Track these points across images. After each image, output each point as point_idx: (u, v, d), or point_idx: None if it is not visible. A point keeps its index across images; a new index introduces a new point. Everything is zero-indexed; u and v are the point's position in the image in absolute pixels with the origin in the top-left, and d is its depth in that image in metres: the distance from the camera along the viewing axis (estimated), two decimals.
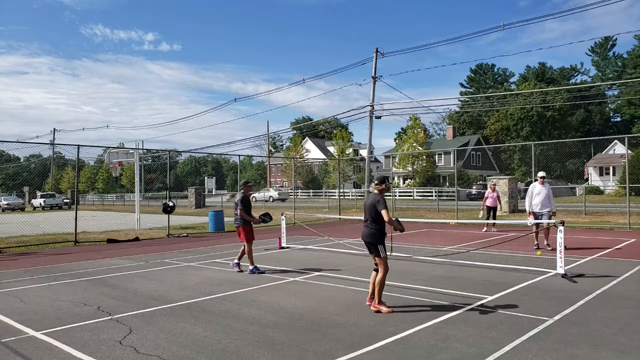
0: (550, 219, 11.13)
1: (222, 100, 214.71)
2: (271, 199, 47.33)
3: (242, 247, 9.38)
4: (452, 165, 54.74)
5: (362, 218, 6.50)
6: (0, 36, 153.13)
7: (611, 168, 48.85)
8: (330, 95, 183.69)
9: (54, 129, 67.62)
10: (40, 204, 44.58)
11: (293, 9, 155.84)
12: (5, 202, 42.38)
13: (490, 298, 6.77)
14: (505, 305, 6.32)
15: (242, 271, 9.25)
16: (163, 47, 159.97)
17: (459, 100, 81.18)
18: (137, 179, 21.93)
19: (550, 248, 10.99)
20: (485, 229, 16.55)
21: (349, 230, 17.77)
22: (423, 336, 5.13)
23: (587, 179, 49.38)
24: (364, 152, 54.16)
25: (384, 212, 6.08)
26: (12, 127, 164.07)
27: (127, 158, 22.07)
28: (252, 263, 9.20)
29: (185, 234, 17.55)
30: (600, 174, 49.88)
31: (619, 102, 72.73)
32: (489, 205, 16.64)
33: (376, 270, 6.32)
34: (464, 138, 66.31)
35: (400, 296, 6.93)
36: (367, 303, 6.40)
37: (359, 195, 41.61)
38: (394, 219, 6.23)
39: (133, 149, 21.68)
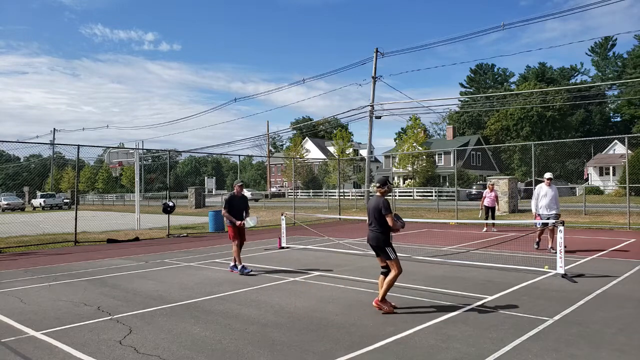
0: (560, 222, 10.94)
1: (222, 100, 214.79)
2: None
3: (241, 247, 9.38)
4: (452, 165, 54.74)
5: (363, 218, 6.47)
6: (0, 36, 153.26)
7: (611, 168, 48.87)
8: (330, 95, 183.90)
9: (54, 129, 67.69)
10: (40, 204, 44.58)
11: (293, 9, 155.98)
12: (5, 202, 42.38)
13: (490, 298, 6.77)
14: (505, 305, 6.32)
15: (243, 272, 9.24)
16: (163, 47, 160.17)
17: (459, 100, 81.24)
18: (137, 179, 21.93)
19: (554, 251, 10.94)
20: (485, 229, 16.55)
21: (349, 230, 17.77)
22: (423, 336, 5.13)
23: (587, 179, 49.38)
24: (364, 152, 54.20)
25: (388, 218, 6.04)
26: (12, 127, 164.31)
27: (127, 158, 22.06)
28: (239, 262, 9.17)
29: (185, 234, 17.55)
30: (600, 174, 49.89)
31: (619, 102, 72.73)
32: (487, 205, 16.67)
33: (384, 274, 6.25)
34: (464, 138, 66.30)
35: (400, 296, 6.93)
36: (374, 305, 6.16)
37: (359, 195, 41.62)
38: (392, 213, 6.15)
39: (133, 149, 21.68)
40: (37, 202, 45.50)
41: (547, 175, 11.03)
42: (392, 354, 4.61)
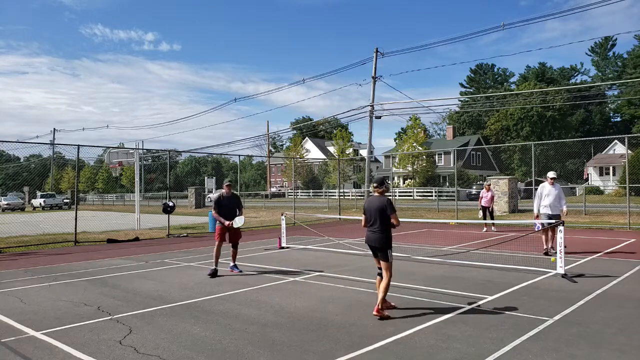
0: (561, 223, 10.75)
1: (222, 100, 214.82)
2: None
3: (232, 249, 9.34)
4: (452, 165, 54.73)
5: (362, 218, 6.37)
6: (0, 36, 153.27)
7: (611, 168, 48.87)
8: (330, 95, 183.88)
9: (54, 129, 67.71)
10: (40, 204, 44.59)
11: (293, 9, 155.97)
12: (5, 202, 42.38)
13: (490, 298, 6.77)
14: (505, 305, 6.32)
15: (241, 271, 9.24)
16: (163, 47, 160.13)
17: (459, 100, 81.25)
18: (137, 179, 21.93)
19: (553, 251, 10.92)
20: (485, 229, 16.58)
21: (349, 230, 17.76)
22: (423, 336, 5.12)
23: (587, 179, 49.39)
24: (364, 152, 54.17)
25: (393, 216, 5.97)
26: (12, 127, 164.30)
27: (127, 158, 22.06)
28: (216, 263, 9.08)
29: (185, 234, 17.55)
30: (600, 174, 49.90)
31: (619, 102, 72.73)
32: (484, 205, 16.82)
33: (379, 275, 6.18)
34: (464, 138, 66.30)
35: (400, 296, 6.92)
36: (375, 314, 5.88)
37: (359, 195, 41.60)
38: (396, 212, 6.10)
39: (133, 149, 21.67)
40: (37, 202, 45.51)
41: (551, 174, 10.79)
42: (392, 354, 4.61)
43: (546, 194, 10.64)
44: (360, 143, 73.30)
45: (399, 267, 9.28)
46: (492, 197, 17.10)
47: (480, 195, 17.17)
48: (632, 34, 79.72)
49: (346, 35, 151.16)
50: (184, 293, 7.50)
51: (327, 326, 5.57)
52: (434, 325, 5.49)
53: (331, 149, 68.23)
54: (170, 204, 17.59)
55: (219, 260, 9.18)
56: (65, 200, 47.15)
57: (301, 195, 57.44)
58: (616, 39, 77.87)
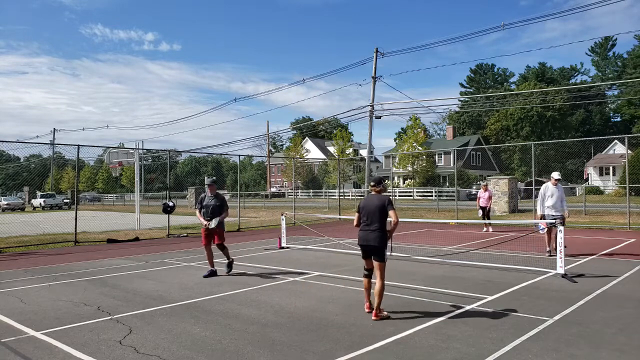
0: (562, 222, 10.70)
1: (222, 100, 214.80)
2: None
3: (223, 249, 9.12)
4: (452, 165, 54.73)
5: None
6: (0, 36, 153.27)
7: (611, 168, 48.88)
8: (330, 95, 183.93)
9: (54, 129, 67.63)
10: (40, 204, 44.58)
11: (293, 9, 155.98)
12: (5, 202, 42.37)
13: (490, 298, 6.77)
14: (505, 305, 6.32)
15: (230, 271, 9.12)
16: (163, 47, 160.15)
17: (459, 100, 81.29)
18: (137, 179, 21.93)
19: (554, 253, 10.86)
20: (485, 229, 16.63)
21: (349, 230, 17.75)
22: (423, 336, 5.12)
23: (587, 179, 49.40)
24: (364, 152, 54.20)
25: (393, 213, 5.86)
26: (12, 127, 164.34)
27: (127, 158, 22.06)
28: (210, 264, 8.99)
29: (185, 234, 17.55)
30: (600, 174, 49.91)
31: (619, 102, 72.74)
32: (481, 205, 16.98)
33: (367, 277, 6.08)
34: (464, 138, 66.31)
35: (400, 296, 6.92)
36: (367, 310, 6.04)
37: (359, 195, 41.60)
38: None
39: (133, 149, 21.67)
40: (37, 202, 45.50)
41: (555, 175, 10.64)
42: (392, 354, 4.61)
43: (550, 195, 10.55)
44: (360, 143, 73.31)
45: (399, 267, 9.29)
46: (490, 197, 17.21)
47: (478, 196, 17.37)
48: (632, 34, 79.87)
49: (346, 35, 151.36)
50: (184, 293, 7.50)
51: (327, 326, 5.57)
52: (434, 325, 5.49)
53: (331, 149, 68.24)
54: (170, 204, 17.59)
55: (214, 260, 9.07)
56: (65, 200, 47.15)
57: (301, 195, 57.44)
58: (616, 39, 78.04)
